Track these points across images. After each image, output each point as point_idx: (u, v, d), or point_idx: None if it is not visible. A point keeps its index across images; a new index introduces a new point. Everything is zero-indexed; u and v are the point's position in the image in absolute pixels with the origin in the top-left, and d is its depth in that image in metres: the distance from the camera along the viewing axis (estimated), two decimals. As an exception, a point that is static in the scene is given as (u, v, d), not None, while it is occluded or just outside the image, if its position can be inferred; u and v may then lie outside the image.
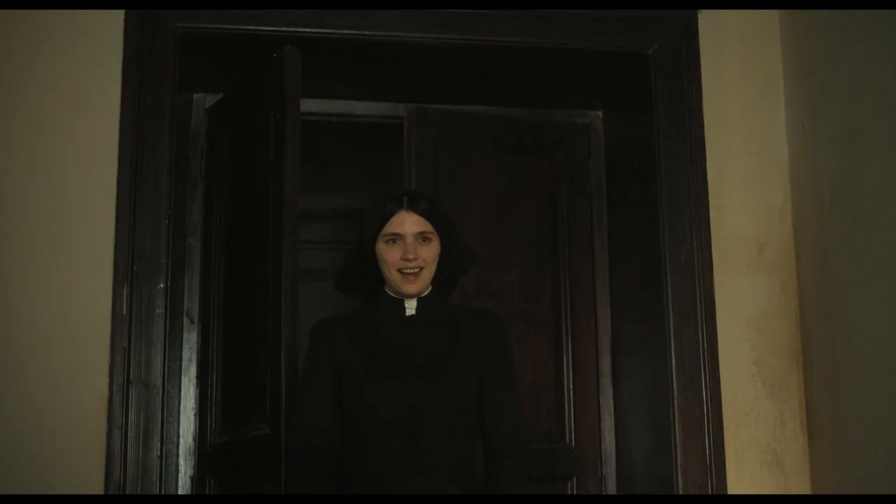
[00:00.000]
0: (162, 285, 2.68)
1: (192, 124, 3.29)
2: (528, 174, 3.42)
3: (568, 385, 3.30)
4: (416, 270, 2.25)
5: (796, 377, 2.89)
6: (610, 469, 3.28)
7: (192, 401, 3.17)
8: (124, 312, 2.64)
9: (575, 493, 3.25)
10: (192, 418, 3.16)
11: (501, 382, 2.31)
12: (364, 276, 2.36)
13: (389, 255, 2.26)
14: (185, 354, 3.19)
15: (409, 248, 2.25)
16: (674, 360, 2.83)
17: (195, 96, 3.29)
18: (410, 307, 2.31)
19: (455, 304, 2.46)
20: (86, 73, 2.74)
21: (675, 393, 2.81)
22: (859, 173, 2.58)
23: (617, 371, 3.31)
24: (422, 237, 2.27)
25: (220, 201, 3.18)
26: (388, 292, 2.33)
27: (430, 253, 2.28)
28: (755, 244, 2.94)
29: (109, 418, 2.59)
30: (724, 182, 2.95)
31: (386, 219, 2.28)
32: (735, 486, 2.79)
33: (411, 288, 2.27)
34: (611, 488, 3.26)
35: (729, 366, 2.85)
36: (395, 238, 2.26)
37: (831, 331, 2.74)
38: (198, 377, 3.17)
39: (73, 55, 2.74)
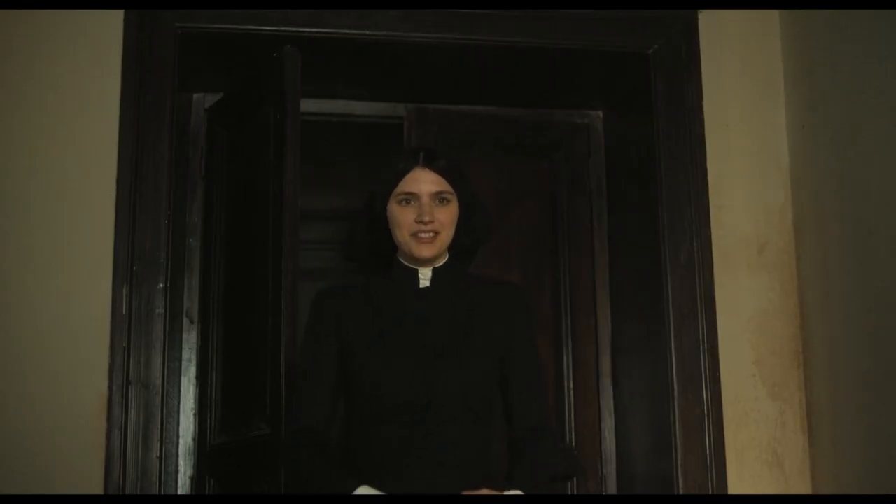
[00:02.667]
0: (162, 285, 2.68)
1: (192, 124, 3.29)
2: (528, 174, 3.42)
3: (568, 385, 3.30)
4: (431, 234, 2.04)
5: (797, 377, 2.89)
6: (610, 469, 3.27)
7: (192, 401, 3.17)
8: (124, 312, 2.63)
9: (575, 493, 3.25)
10: (191, 418, 3.16)
11: (527, 362, 2.11)
12: (374, 242, 2.14)
13: (403, 216, 2.04)
14: (185, 354, 3.19)
15: (425, 210, 2.02)
16: (674, 360, 2.83)
17: (195, 96, 3.29)
18: (425, 277, 2.10)
19: (476, 275, 2.25)
20: (86, 73, 2.74)
21: (676, 393, 2.81)
22: (860, 173, 2.58)
23: (617, 371, 3.31)
24: (439, 197, 2.05)
25: (220, 201, 3.18)
26: (401, 260, 2.11)
27: (447, 215, 2.06)
28: (755, 244, 2.94)
29: (109, 418, 2.58)
30: (724, 182, 2.95)
31: (399, 177, 2.05)
32: (735, 486, 2.79)
33: (425, 251, 2.04)
34: (611, 488, 3.25)
35: (729, 366, 2.85)
36: (409, 198, 2.04)
37: (831, 331, 2.74)
38: (197, 377, 3.17)
39: (73, 55, 2.74)
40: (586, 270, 3.39)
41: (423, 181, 2.04)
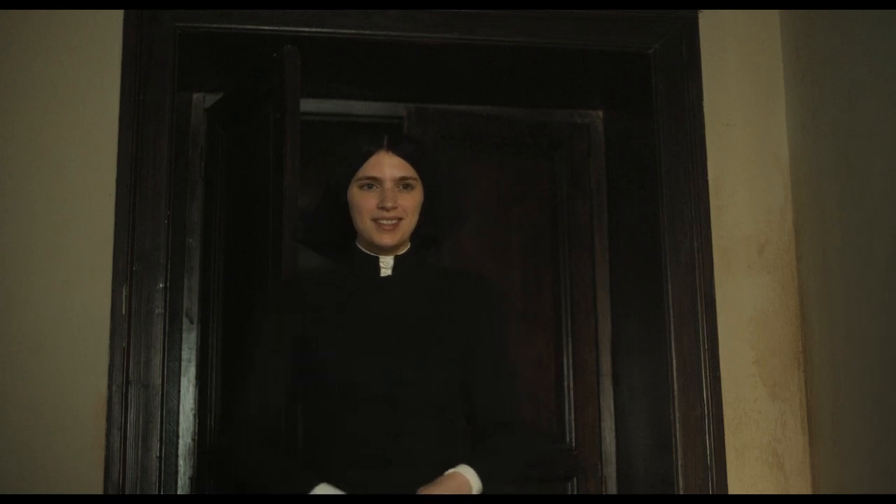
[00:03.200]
0: (161, 285, 2.67)
1: (192, 124, 3.29)
2: (528, 174, 3.42)
3: (568, 385, 3.29)
4: (394, 221, 1.95)
5: (797, 377, 2.89)
6: (610, 469, 3.27)
7: (192, 401, 3.17)
8: (123, 312, 2.63)
9: (575, 493, 3.25)
10: (191, 419, 3.16)
11: (494, 354, 2.02)
12: (333, 227, 2.05)
13: (364, 201, 1.96)
14: (185, 355, 3.19)
15: (388, 195, 1.94)
16: (674, 360, 2.83)
17: (195, 96, 3.29)
18: (386, 266, 2.01)
19: (439, 265, 2.18)
20: (86, 72, 2.74)
21: (676, 393, 2.81)
22: (860, 173, 2.58)
23: (617, 371, 3.31)
24: (403, 183, 1.96)
25: (219, 201, 3.18)
26: (361, 247, 2.03)
27: (411, 202, 1.97)
28: (756, 244, 2.94)
29: (108, 418, 2.58)
30: (724, 182, 2.95)
31: (362, 160, 1.97)
32: (735, 487, 2.79)
33: (387, 238, 1.96)
34: (611, 488, 3.25)
35: (729, 366, 2.85)
36: (372, 183, 1.96)
37: (832, 331, 2.74)
38: (197, 377, 3.16)
39: (73, 55, 2.74)
40: (586, 270, 3.39)
41: (387, 165, 1.96)
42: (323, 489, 1.83)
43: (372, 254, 2.02)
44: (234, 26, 2.83)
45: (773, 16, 3.05)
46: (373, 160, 1.97)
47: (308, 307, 1.99)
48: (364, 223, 1.97)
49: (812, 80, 2.85)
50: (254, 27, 2.83)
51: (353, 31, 2.87)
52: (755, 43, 3.03)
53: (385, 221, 1.95)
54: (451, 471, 1.87)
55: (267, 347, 2.00)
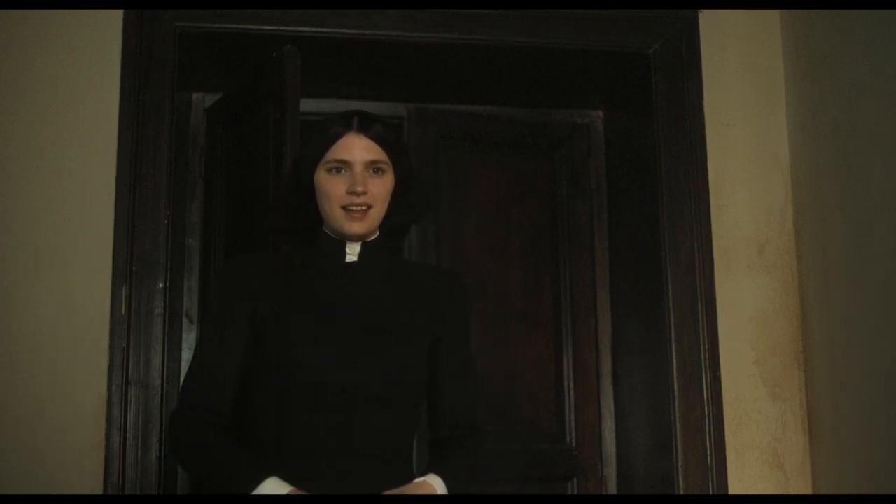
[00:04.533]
0: (161, 285, 2.67)
1: (192, 124, 3.29)
2: (528, 174, 3.42)
3: (568, 385, 3.29)
4: (363, 208, 1.84)
5: (797, 377, 2.89)
6: (610, 469, 3.27)
7: (192, 401, 3.17)
8: (123, 313, 2.63)
9: (575, 493, 3.24)
10: (191, 419, 3.15)
11: (459, 360, 1.94)
12: (299, 212, 1.95)
13: (332, 187, 1.85)
14: (185, 355, 3.19)
15: (358, 180, 1.83)
16: (674, 360, 2.82)
17: (194, 96, 3.29)
18: (352, 252, 1.91)
19: (408, 259, 2.08)
20: (85, 72, 2.74)
21: (676, 393, 2.81)
22: (860, 173, 2.58)
23: (617, 371, 3.31)
24: (373, 167, 1.86)
25: (219, 201, 3.18)
26: (327, 232, 1.92)
27: (382, 187, 1.87)
28: (756, 244, 2.94)
29: (108, 419, 2.58)
30: (724, 181, 2.95)
31: (330, 142, 1.85)
32: (736, 487, 2.79)
33: (356, 227, 1.85)
34: (611, 488, 3.25)
35: (729, 366, 2.85)
36: (341, 167, 1.85)
37: (832, 331, 2.74)
38: (197, 377, 3.16)
39: (73, 55, 2.74)
40: (586, 270, 3.38)
41: (357, 148, 1.85)
42: (271, 484, 1.72)
43: (338, 237, 1.92)
44: (234, 26, 2.83)
45: (773, 16, 3.05)
46: (342, 142, 1.85)
47: (264, 288, 1.88)
48: (332, 209, 1.86)
49: (812, 80, 2.85)
50: (254, 27, 2.83)
51: (353, 31, 2.87)
52: (755, 43, 3.03)
53: (354, 208, 1.84)
54: (419, 479, 1.80)
55: (222, 331, 1.88)
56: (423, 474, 1.82)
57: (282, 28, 2.83)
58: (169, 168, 2.74)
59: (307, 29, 2.85)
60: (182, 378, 3.12)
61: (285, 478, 1.73)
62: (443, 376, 1.93)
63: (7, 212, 2.64)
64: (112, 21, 2.77)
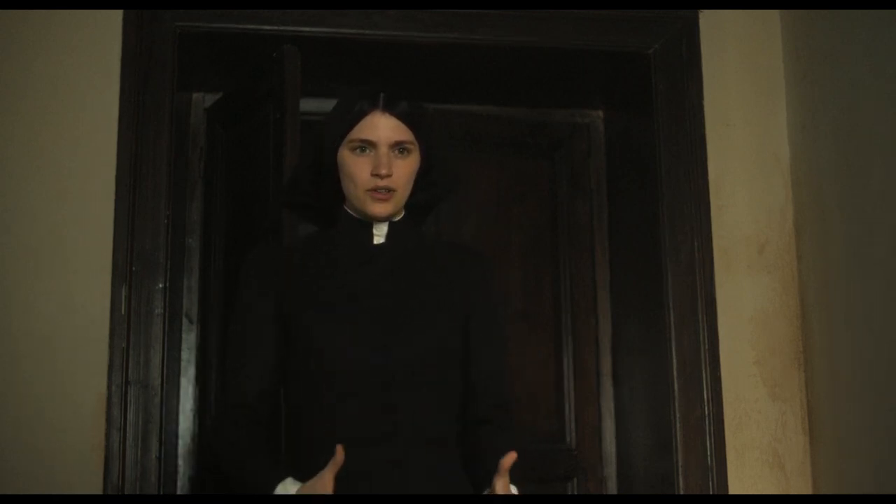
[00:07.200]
0: (161, 285, 2.67)
1: (192, 124, 3.28)
2: (528, 174, 3.41)
3: (568, 385, 3.29)
4: (388, 191, 1.79)
5: (797, 377, 2.89)
6: (610, 469, 3.27)
7: (191, 401, 3.17)
8: (123, 313, 2.63)
9: (575, 493, 3.24)
10: (191, 419, 3.15)
11: (489, 337, 1.88)
12: (319, 191, 1.88)
13: (357, 167, 1.78)
14: (184, 355, 3.18)
15: (383, 162, 1.76)
16: (674, 360, 2.82)
17: (194, 96, 3.29)
18: (380, 234, 1.85)
19: (433, 237, 2.05)
20: (85, 72, 2.74)
21: (676, 393, 2.81)
22: (861, 173, 2.58)
23: (617, 371, 3.30)
24: (399, 147, 1.80)
25: (219, 201, 3.18)
26: (350, 212, 1.86)
27: (407, 169, 1.81)
28: (756, 244, 2.94)
29: (108, 419, 2.58)
30: (724, 181, 2.95)
31: (355, 120, 1.79)
32: (736, 487, 2.79)
33: (381, 209, 1.80)
34: (611, 489, 3.25)
35: (730, 366, 2.85)
36: (365, 146, 1.79)
37: (832, 331, 2.74)
38: (197, 378, 3.16)
39: (73, 55, 2.74)
40: (586, 270, 3.38)
41: (383, 128, 1.78)
42: (288, 484, 1.68)
43: (363, 218, 1.85)
44: (234, 26, 2.82)
45: (773, 16, 3.04)
46: (367, 121, 1.79)
47: (290, 276, 1.84)
48: (356, 191, 1.80)
49: (812, 80, 2.85)
50: (254, 27, 2.83)
51: (353, 31, 2.87)
52: (755, 43, 3.03)
53: (380, 192, 1.79)
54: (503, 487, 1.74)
55: (252, 323, 1.84)
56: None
57: (282, 28, 2.83)
58: (169, 168, 2.74)
59: (307, 29, 2.85)
60: (181, 378, 3.16)
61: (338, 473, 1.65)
62: (475, 353, 1.87)
63: (7, 212, 2.64)
64: (112, 21, 2.77)
